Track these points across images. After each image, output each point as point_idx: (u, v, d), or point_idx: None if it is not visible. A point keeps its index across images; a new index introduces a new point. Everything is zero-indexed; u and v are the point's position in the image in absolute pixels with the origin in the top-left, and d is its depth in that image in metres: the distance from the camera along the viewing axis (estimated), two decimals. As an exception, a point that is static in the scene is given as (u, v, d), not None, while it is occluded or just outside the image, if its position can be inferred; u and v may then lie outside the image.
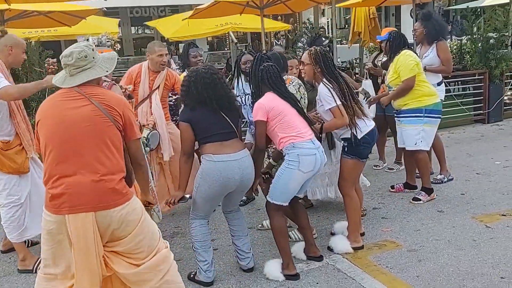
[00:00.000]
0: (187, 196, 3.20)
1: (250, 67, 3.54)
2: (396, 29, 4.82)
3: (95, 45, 3.26)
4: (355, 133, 3.54)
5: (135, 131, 2.59)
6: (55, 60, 3.72)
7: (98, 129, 2.39)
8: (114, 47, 3.86)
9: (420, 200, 4.54)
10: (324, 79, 3.55)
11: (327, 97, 3.49)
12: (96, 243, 2.33)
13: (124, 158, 2.51)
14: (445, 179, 5.07)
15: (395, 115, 4.70)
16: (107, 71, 2.57)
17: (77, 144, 2.36)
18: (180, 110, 3.31)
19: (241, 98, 4.22)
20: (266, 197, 3.40)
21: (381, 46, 4.69)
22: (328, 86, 3.50)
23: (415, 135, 4.44)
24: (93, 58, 2.53)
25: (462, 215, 4.20)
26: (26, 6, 6.94)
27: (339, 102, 3.47)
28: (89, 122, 2.38)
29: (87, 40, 3.69)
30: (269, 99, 3.30)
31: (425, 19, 5.03)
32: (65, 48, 2.55)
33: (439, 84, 5.10)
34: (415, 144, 4.46)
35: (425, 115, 4.41)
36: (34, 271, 3.57)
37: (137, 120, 3.68)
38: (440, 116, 4.59)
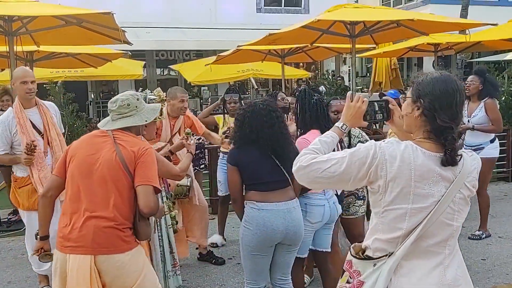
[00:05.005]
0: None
1: (296, 101, 3.27)
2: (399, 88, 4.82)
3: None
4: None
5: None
6: (36, 147, 3.57)
7: (114, 174, 2.39)
8: (162, 105, 3.71)
9: None
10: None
11: None
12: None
13: (134, 207, 2.45)
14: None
15: None
16: (146, 121, 2.64)
17: (91, 185, 2.37)
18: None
19: None
20: None
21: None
22: None
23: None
24: (136, 107, 2.60)
25: (482, 283, 3.97)
26: (54, 48, 7.19)
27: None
28: (108, 166, 2.40)
29: (142, 90, 3.62)
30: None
31: (483, 74, 4.97)
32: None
33: (492, 141, 5.01)
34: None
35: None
36: None
37: None
38: None
